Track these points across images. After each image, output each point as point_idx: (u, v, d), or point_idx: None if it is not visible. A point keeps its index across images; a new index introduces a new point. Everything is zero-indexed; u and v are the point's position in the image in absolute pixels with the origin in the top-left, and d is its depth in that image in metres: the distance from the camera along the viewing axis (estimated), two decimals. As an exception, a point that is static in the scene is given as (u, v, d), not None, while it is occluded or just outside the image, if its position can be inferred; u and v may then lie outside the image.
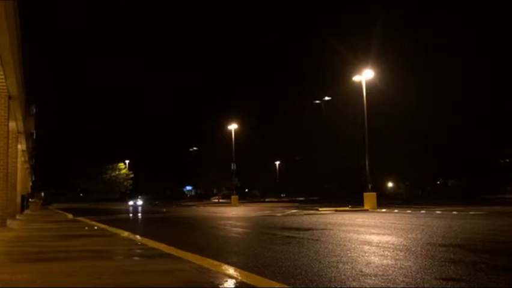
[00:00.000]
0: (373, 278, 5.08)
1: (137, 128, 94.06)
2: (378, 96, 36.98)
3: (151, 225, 16.80)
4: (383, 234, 10.30)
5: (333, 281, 4.98)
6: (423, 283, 4.78)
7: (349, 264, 6.05)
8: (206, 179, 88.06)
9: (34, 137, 33.36)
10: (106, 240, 9.56)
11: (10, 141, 15.10)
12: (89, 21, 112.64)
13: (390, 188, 68.71)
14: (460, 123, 47.51)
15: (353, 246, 8.18)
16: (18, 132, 20.21)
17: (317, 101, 57.38)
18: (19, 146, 22.59)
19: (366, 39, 43.94)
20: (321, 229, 12.17)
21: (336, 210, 23.76)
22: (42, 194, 68.19)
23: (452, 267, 5.65)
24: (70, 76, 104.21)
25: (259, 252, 7.90)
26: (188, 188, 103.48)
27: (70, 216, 22.86)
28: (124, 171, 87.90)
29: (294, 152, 72.88)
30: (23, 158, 29.09)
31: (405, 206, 27.00)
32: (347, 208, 25.40)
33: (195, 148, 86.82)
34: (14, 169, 18.15)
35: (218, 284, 4.52)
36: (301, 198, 60.48)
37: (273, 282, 4.79)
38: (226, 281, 4.73)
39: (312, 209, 26.10)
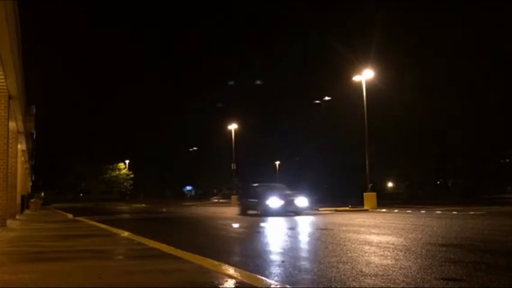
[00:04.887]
0: (373, 278, 5.08)
1: (137, 128, 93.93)
2: (378, 96, 37.02)
3: (151, 225, 16.80)
4: (383, 234, 10.29)
5: (333, 281, 4.98)
6: (423, 283, 4.78)
7: (349, 264, 6.05)
8: (206, 179, 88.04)
9: (34, 137, 33.35)
10: (106, 240, 9.56)
11: (10, 141, 15.09)
12: (89, 21, 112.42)
13: (390, 188, 68.75)
14: (460, 123, 47.57)
15: (353, 246, 8.17)
16: (18, 132, 20.19)
17: (317, 101, 57.37)
18: (19, 146, 22.58)
19: (366, 39, 43.96)
20: (321, 229, 12.17)
21: (336, 210, 23.76)
22: (42, 194, 68.16)
23: (452, 267, 5.65)
24: (70, 76, 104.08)
25: (259, 252, 7.90)
26: (189, 188, 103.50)
27: (70, 216, 22.84)
28: (124, 171, 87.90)
29: (294, 152, 72.90)
30: (23, 158, 29.08)
31: (405, 206, 27.00)
32: (347, 208, 25.40)
33: (195, 148, 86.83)
34: (14, 169, 18.15)
35: (218, 284, 4.52)
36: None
37: (273, 282, 4.79)
38: (226, 281, 4.73)
39: (311, 209, 26.08)
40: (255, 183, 24.95)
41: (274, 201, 19.60)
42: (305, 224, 14.52)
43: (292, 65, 79.67)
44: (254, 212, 20.49)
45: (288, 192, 21.17)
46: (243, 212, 21.63)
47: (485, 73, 46.75)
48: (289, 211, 19.48)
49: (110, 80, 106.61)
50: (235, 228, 14.30)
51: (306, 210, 20.36)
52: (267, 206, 19.62)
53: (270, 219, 17.18)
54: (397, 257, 6.55)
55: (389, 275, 5.18)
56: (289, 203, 19.63)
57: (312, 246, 8.79)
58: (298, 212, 19.46)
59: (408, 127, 48.55)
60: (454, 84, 47.74)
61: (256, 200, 20.81)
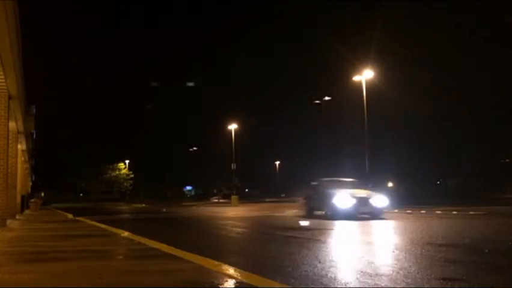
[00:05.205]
0: (373, 278, 5.08)
1: (137, 128, 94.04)
2: (378, 95, 37.03)
3: (151, 225, 16.80)
4: (383, 234, 10.30)
5: (333, 281, 4.98)
6: (423, 283, 4.78)
7: (349, 264, 6.05)
8: (206, 179, 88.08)
9: (34, 137, 33.33)
10: (106, 240, 9.56)
11: (10, 141, 15.09)
12: (89, 20, 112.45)
13: (390, 188, 68.76)
14: (460, 123, 47.62)
15: (353, 246, 8.17)
16: (18, 132, 20.19)
17: (317, 101, 57.42)
18: (19, 146, 22.57)
19: (366, 39, 44.02)
20: (321, 229, 12.16)
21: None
22: (42, 194, 68.14)
23: (452, 267, 5.64)
24: (70, 76, 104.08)
25: (259, 252, 7.90)
26: (189, 188, 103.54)
27: (70, 216, 22.84)
28: (124, 171, 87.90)
29: (294, 152, 72.98)
30: (23, 158, 29.07)
31: (405, 206, 26.98)
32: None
33: (195, 148, 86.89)
34: (14, 169, 18.14)
35: (218, 284, 4.52)
36: (301, 198, 60.26)
37: (273, 282, 4.78)
38: (226, 281, 4.73)
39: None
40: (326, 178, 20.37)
41: (343, 200, 15.84)
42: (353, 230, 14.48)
43: (292, 65, 79.80)
44: (321, 212, 17.34)
45: (361, 189, 17.51)
46: (309, 213, 18.15)
47: (485, 73, 46.80)
48: (363, 212, 15.79)
49: (110, 79, 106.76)
50: (236, 228, 14.28)
51: (386, 211, 16.54)
52: (333, 205, 16.00)
53: (330, 222, 14.18)
54: (397, 257, 6.55)
55: (389, 275, 5.18)
56: (362, 202, 15.82)
57: (312, 246, 8.79)
58: (375, 213, 15.65)
59: (408, 127, 48.61)
60: (454, 83, 47.78)
61: (322, 199, 17.29)
